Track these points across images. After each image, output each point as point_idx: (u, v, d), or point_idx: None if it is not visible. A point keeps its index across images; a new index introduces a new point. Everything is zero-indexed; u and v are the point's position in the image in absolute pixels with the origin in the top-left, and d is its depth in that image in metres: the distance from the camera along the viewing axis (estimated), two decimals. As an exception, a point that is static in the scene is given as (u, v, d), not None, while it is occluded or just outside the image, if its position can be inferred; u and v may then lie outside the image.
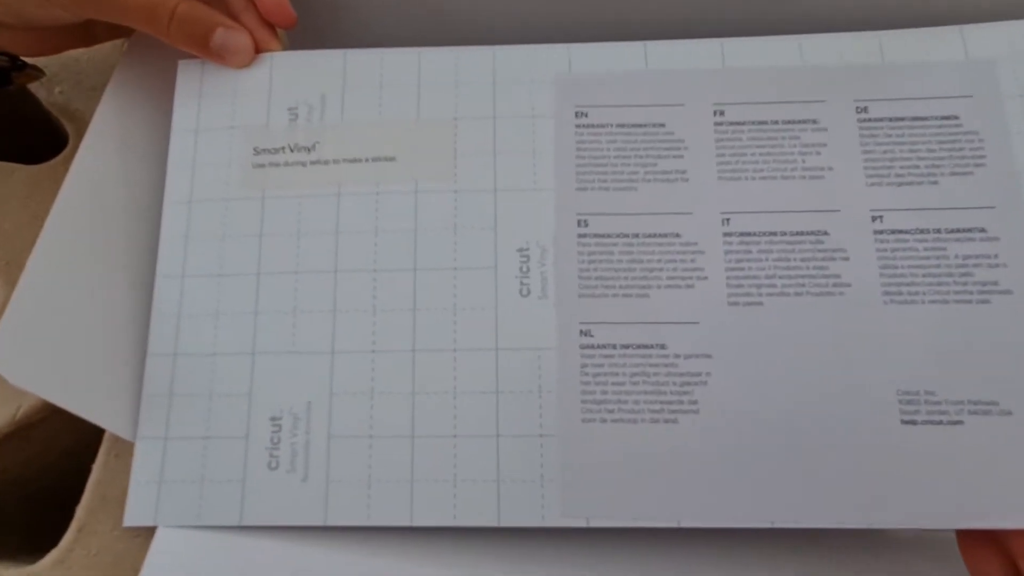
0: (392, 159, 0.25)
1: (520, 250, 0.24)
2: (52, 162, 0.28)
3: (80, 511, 0.25)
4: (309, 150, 0.26)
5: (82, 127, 0.29)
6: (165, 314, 0.24)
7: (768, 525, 0.22)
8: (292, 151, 0.26)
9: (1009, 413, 0.22)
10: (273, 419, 0.24)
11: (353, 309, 0.24)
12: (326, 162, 0.25)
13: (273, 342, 0.24)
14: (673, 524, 0.22)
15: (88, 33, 0.27)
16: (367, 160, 0.25)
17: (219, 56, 0.25)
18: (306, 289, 0.24)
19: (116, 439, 0.25)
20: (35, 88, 0.29)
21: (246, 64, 0.26)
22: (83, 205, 0.24)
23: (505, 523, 0.22)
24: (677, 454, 0.22)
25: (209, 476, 0.23)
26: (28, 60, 0.27)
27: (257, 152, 0.26)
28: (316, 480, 0.23)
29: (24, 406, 0.24)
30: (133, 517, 0.23)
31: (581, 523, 0.22)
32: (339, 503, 0.23)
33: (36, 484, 0.27)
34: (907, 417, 0.22)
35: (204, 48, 0.25)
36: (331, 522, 0.23)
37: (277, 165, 0.25)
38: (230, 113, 0.26)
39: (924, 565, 0.24)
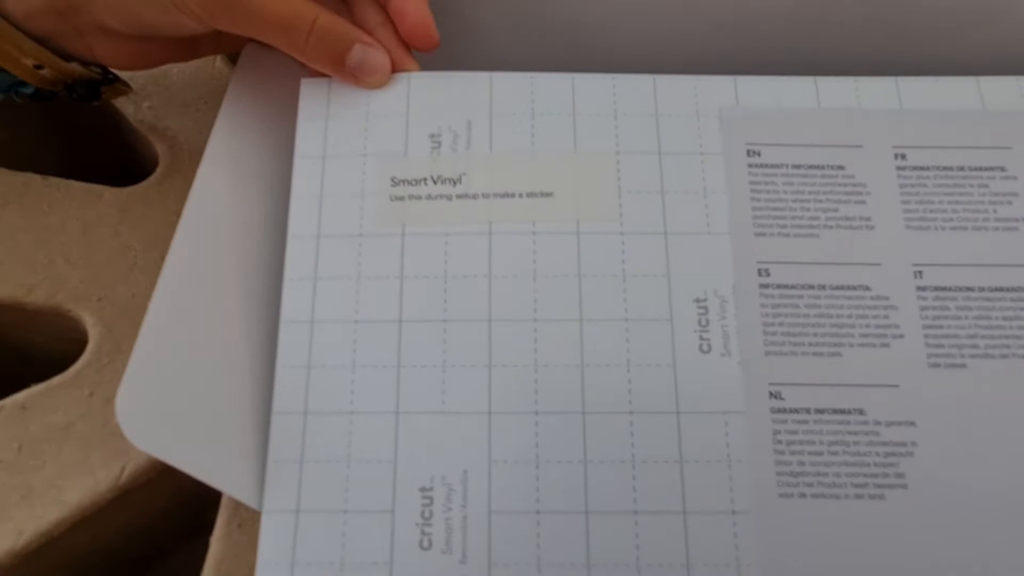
0: (550, 195, 0.23)
1: (697, 300, 0.22)
2: (143, 184, 0.24)
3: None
4: (455, 182, 0.23)
5: (173, 146, 0.25)
6: (292, 365, 0.21)
7: (996, 615, 0.19)
8: (436, 183, 0.23)
9: None
10: (423, 490, 0.20)
11: (512, 364, 0.21)
12: (475, 196, 0.23)
13: (420, 400, 0.21)
14: (892, 614, 0.20)
15: (193, 46, 0.24)
16: (521, 195, 0.23)
17: (354, 76, 0.23)
18: (457, 340, 0.22)
19: (237, 506, 0.21)
20: (121, 104, 0.26)
21: (381, 85, 0.23)
22: (202, 244, 0.21)
23: (697, 613, 0.20)
24: (886, 535, 0.20)
25: (350, 557, 0.20)
26: (117, 73, 0.24)
27: (395, 183, 0.23)
28: (476, 562, 0.20)
29: (129, 467, 0.21)
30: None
31: (785, 613, 0.20)
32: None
33: (126, 552, 0.23)
34: None
35: (339, 66, 0.22)
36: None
37: (419, 198, 0.23)
38: (362, 138, 0.23)
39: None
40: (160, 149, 0.24)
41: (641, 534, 0.20)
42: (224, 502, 0.21)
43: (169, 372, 0.19)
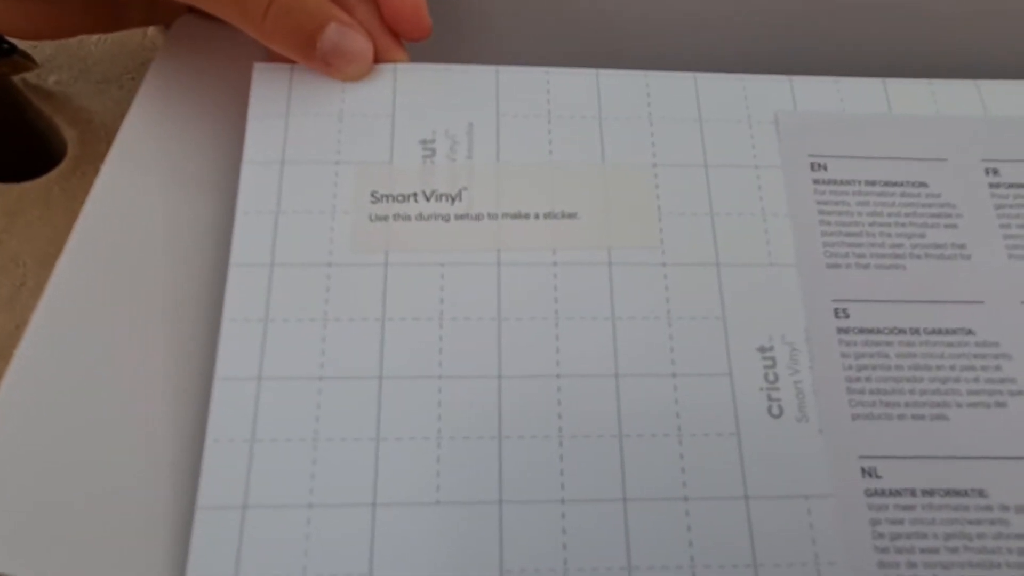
0: (573, 215, 0.18)
1: (762, 349, 0.17)
2: (40, 181, 0.19)
3: None
4: (453, 199, 0.18)
5: (86, 132, 0.20)
6: (227, 439, 0.16)
7: None
8: (429, 199, 0.18)
9: None
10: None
11: (529, 435, 0.16)
12: (478, 216, 0.18)
13: (408, 489, 0.16)
14: None
15: (116, 13, 0.19)
16: (538, 216, 0.18)
17: (326, 63, 0.18)
18: (456, 403, 0.16)
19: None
20: (22, 81, 0.20)
21: (361, 77, 0.18)
22: (99, 266, 0.16)
23: None
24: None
25: None
26: (16, 43, 0.19)
27: (376, 199, 0.18)
28: None
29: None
30: None
31: None
32: None
33: None
34: None
35: (307, 50, 0.17)
36: None
37: (407, 218, 0.18)
38: (334, 142, 0.18)
39: None
40: (69, 135, 0.19)
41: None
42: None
43: (32, 459, 0.13)
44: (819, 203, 0.19)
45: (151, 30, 0.19)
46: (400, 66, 0.19)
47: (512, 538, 0.15)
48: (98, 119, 0.17)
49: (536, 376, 0.17)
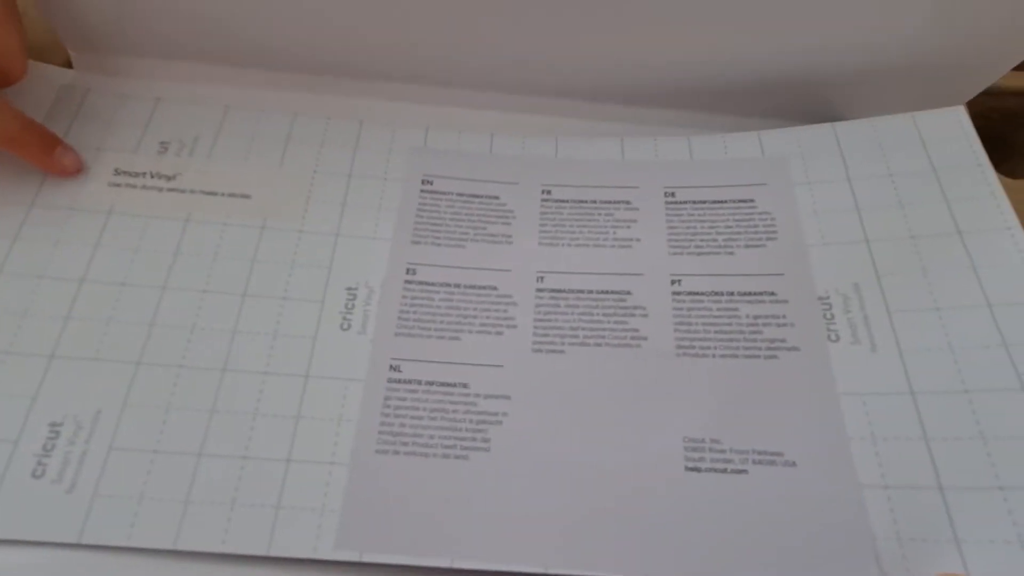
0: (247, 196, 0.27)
1: (348, 288, 0.26)
2: None
3: None
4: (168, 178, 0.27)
5: None
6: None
7: (541, 570, 0.21)
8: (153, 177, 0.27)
9: (793, 464, 0.22)
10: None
11: (173, 325, 0.24)
12: (183, 191, 0.27)
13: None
14: (445, 564, 0.21)
15: None
16: (221, 195, 0.27)
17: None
18: (128, 301, 0.25)
19: None
20: None
21: None
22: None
23: (275, 552, 0.21)
24: (462, 491, 0.22)
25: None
26: None
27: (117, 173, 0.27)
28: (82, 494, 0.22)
29: None
30: None
31: (354, 557, 0.21)
32: (102, 520, 0.21)
33: None
34: (691, 464, 0.22)
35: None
36: (87, 540, 0.21)
37: (134, 187, 0.27)
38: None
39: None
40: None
41: (244, 476, 0.22)
42: None
43: None
44: (419, 204, 0.28)
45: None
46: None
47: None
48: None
49: (190, 289, 0.25)
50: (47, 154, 0.26)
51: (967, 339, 0.23)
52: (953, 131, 0.28)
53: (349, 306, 0.25)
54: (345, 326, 0.25)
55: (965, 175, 0.27)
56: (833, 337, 0.24)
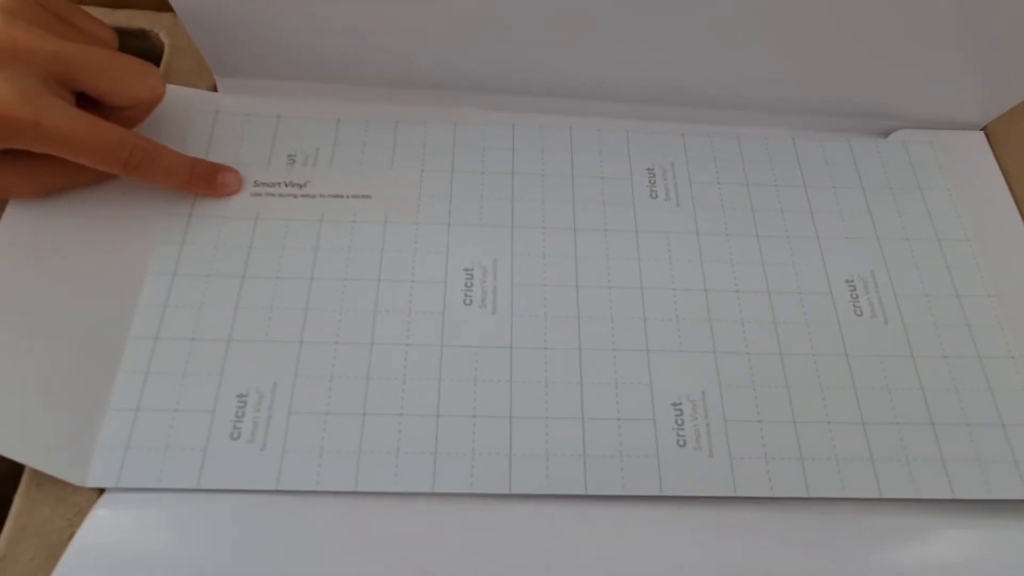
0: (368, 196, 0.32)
1: (466, 269, 0.30)
2: None
3: (1, 542, 0.24)
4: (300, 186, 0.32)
5: None
6: (151, 305, 0.28)
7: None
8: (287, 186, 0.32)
9: None
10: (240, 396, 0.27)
11: (324, 308, 0.29)
12: (313, 196, 0.31)
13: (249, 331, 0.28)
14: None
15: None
16: (346, 197, 0.31)
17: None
18: (284, 291, 0.29)
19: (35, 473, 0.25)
20: None
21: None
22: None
23: (437, 489, 0.25)
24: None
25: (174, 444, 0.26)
26: None
27: (257, 184, 0.31)
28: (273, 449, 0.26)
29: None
30: (96, 479, 0.25)
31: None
32: (293, 470, 0.25)
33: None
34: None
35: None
36: (283, 487, 0.25)
37: (272, 196, 0.31)
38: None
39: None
40: None
41: (403, 429, 0.26)
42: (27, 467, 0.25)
43: None
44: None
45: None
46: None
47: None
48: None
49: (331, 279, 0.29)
50: (212, 185, 0.30)
51: None
52: None
53: (468, 284, 0.30)
54: (467, 302, 0.29)
55: None
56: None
